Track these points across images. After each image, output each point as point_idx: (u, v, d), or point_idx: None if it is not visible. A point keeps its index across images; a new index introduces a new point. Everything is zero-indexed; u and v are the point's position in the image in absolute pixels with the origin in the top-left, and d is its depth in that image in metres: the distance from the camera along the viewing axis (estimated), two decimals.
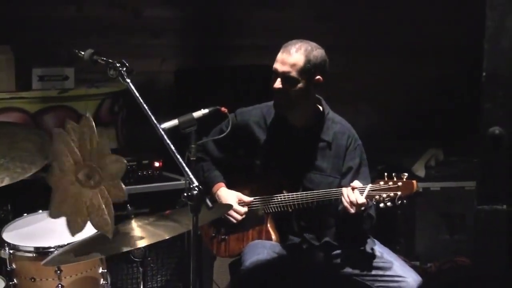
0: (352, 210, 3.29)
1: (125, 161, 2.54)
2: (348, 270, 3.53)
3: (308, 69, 3.40)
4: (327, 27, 5.48)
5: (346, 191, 3.32)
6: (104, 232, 2.56)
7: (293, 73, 3.39)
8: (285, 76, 3.40)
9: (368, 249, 3.55)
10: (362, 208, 3.30)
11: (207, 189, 3.63)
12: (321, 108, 3.59)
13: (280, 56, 3.44)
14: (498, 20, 1.94)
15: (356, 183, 3.34)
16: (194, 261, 2.64)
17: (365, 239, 3.56)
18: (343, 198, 3.32)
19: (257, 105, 3.69)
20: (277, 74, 3.43)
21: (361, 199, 3.28)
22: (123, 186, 2.53)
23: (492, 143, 1.96)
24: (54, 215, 2.66)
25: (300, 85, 3.40)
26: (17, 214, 3.49)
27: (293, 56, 3.40)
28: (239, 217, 3.57)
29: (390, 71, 5.87)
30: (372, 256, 3.52)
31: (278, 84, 3.42)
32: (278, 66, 3.42)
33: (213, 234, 3.70)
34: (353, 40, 5.69)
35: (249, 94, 4.69)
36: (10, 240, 3.21)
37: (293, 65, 3.39)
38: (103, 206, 2.54)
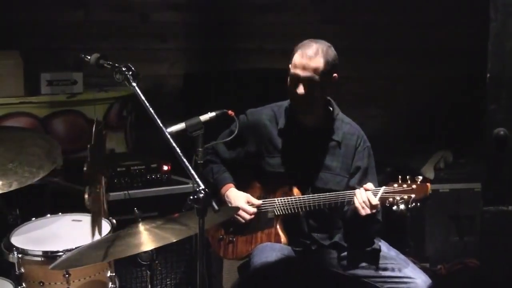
0: (364, 212, 3.29)
1: None
2: (357, 271, 3.52)
3: (328, 71, 3.40)
4: (334, 30, 5.47)
5: (359, 192, 3.32)
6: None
7: (317, 78, 3.37)
8: (308, 81, 3.38)
9: (376, 250, 3.55)
10: (374, 210, 3.30)
11: (216, 191, 3.63)
12: (331, 108, 3.60)
13: (300, 61, 3.40)
14: (502, 22, 1.94)
15: (370, 185, 3.34)
16: (201, 264, 2.64)
17: (372, 240, 3.56)
18: (355, 199, 3.31)
19: (266, 105, 3.69)
20: (299, 79, 3.40)
21: (375, 201, 3.28)
22: None
23: (497, 145, 1.95)
24: None
25: (322, 86, 3.41)
26: (25, 218, 3.49)
27: (313, 60, 3.38)
28: (248, 217, 3.56)
29: (398, 74, 5.87)
30: (381, 257, 3.51)
31: (301, 89, 3.39)
32: (299, 71, 3.39)
33: (221, 236, 3.69)
34: (360, 43, 5.69)
35: (256, 97, 4.68)
36: (19, 245, 3.21)
37: (315, 69, 3.37)
38: None
